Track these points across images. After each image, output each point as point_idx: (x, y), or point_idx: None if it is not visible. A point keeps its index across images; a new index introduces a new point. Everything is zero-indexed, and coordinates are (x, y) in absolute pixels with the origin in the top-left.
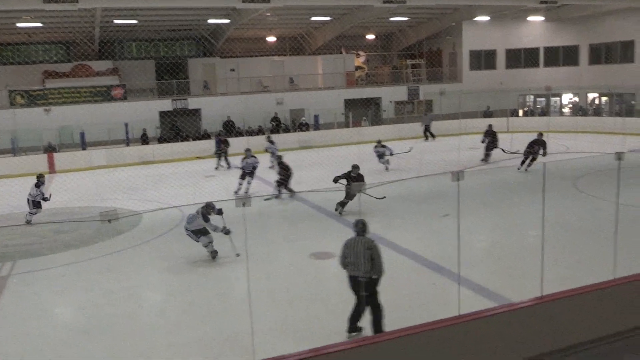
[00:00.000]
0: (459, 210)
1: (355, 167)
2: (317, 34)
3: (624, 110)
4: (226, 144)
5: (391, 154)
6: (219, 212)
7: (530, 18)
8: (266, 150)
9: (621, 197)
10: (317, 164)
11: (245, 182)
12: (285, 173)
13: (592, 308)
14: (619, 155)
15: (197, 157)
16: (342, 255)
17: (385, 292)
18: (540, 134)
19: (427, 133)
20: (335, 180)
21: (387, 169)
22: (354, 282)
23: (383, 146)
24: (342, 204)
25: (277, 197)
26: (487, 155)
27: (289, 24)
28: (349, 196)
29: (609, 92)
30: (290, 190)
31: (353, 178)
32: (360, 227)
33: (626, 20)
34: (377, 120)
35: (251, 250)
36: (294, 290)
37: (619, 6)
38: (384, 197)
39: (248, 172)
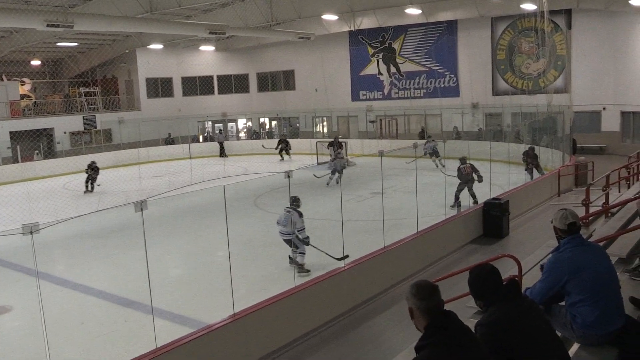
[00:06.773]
0: (146, 241)
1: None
2: None
3: (290, 132)
4: None
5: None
6: None
7: (202, 47)
8: None
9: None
10: None
11: None
12: None
13: (276, 317)
14: (288, 174)
15: None
16: None
17: (75, 337)
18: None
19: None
20: None
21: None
22: None
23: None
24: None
25: None
26: None
27: None
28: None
29: (277, 117)
30: None
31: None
32: None
33: (286, 52)
34: (51, 153)
35: None
36: None
37: (279, 39)
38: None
39: None
